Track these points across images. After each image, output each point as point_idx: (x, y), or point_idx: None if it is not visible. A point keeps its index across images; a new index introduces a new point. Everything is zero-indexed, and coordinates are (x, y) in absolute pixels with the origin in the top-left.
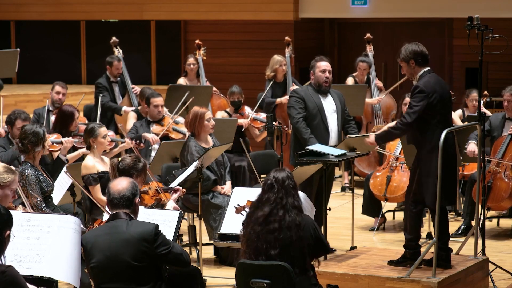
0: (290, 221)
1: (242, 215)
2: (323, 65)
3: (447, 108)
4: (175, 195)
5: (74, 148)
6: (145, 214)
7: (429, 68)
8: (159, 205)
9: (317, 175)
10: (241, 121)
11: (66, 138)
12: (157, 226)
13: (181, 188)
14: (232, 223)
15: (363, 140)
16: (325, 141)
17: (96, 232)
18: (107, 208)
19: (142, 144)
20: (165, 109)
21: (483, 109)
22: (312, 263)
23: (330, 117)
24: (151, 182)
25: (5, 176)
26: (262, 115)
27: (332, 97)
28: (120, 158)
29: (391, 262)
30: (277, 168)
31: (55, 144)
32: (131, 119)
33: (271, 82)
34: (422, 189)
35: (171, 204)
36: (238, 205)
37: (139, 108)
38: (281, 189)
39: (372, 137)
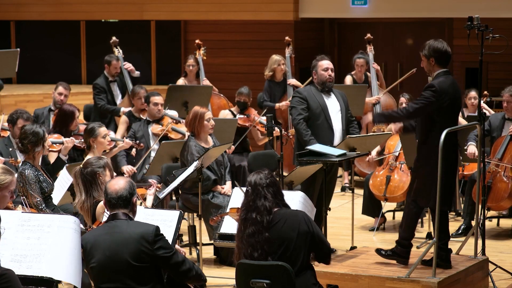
0: (261, 221)
1: (218, 224)
2: (325, 64)
3: (456, 111)
4: (151, 190)
5: (74, 148)
6: (145, 214)
7: (447, 69)
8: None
9: (320, 175)
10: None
11: (67, 138)
12: (157, 228)
13: (154, 181)
14: (232, 223)
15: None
16: (329, 141)
17: (96, 232)
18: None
19: (142, 144)
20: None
21: (486, 108)
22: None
23: (334, 117)
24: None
25: (3, 177)
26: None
27: (336, 97)
28: (82, 164)
29: (378, 251)
30: (256, 171)
31: (55, 144)
32: (122, 124)
33: (270, 83)
34: (420, 188)
35: (150, 199)
36: (215, 216)
37: (131, 109)
38: (252, 192)
39: (370, 116)
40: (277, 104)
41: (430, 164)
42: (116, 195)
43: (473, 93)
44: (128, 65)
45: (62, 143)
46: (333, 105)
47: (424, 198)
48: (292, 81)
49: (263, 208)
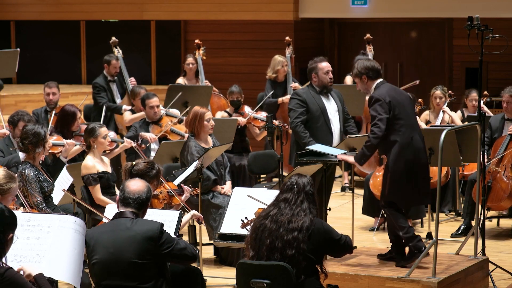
0: (303, 224)
1: (247, 230)
2: (325, 66)
3: (407, 112)
4: (182, 197)
5: None
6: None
7: (382, 79)
8: (169, 208)
9: (318, 175)
10: (239, 119)
11: (68, 140)
12: (162, 224)
13: (187, 188)
14: (232, 223)
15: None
16: (328, 143)
17: (101, 229)
18: (106, 212)
19: (143, 146)
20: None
21: (485, 109)
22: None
23: (333, 119)
24: (162, 184)
25: (7, 186)
26: (263, 114)
27: (333, 98)
28: (134, 162)
29: (380, 256)
30: (298, 173)
31: (56, 146)
32: (128, 114)
33: (272, 83)
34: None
35: (191, 213)
36: (246, 218)
37: (133, 108)
38: (301, 192)
39: (351, 159)
40: (280, 99)
41: (393, 166)
42: (133, 196)
43: (474, 94)
44: (133, 80)
45: (62, 145)
46: (331, 107)
47: (382, 196)
48: (296, 85)
49: (309, 211)
